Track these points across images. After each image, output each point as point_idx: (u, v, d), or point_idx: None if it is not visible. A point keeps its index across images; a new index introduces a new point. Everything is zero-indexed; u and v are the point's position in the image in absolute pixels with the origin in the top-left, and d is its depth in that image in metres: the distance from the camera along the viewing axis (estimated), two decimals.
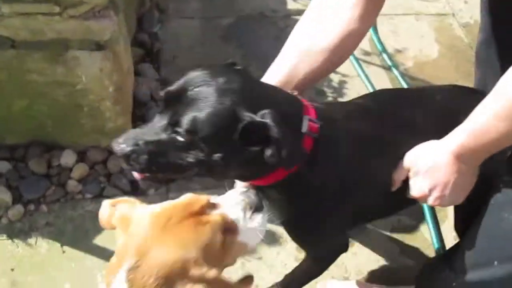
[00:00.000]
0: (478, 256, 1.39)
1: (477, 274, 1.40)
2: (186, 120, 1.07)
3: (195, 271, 0.88)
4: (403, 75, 2.76)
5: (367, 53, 2.89)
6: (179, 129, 1.08)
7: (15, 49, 1.86)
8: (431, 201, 1.26)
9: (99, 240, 1.99)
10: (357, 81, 2.68)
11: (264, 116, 1.07)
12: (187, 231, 0.92)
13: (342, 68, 2.26)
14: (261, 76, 1.32)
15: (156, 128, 1.11)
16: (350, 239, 1.67)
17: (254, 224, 1.06)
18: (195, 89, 1.09)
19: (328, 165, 1.25)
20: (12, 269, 1.92)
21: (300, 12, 2.03)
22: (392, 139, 1.33)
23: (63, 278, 1.90)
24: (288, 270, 1.80)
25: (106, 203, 1.03)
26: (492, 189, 1.31)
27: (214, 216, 0.98)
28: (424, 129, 1.35)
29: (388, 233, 2.10)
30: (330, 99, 2.60)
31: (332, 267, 1.66)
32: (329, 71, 1.45)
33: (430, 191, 1.24)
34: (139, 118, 2.34)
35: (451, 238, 1.92)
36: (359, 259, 2.01)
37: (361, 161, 1.29)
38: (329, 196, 1.30)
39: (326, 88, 2.66)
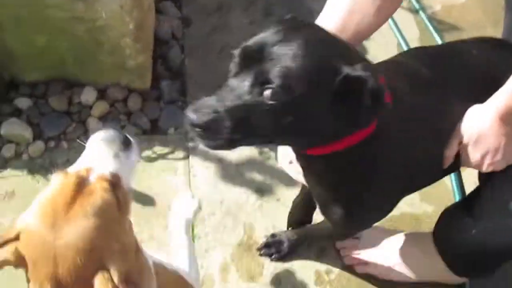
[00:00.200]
0: (498, 204, 1.39)
1: (496, 221, 1.41)
2: (279, 75, 0.94)
3: (110, 253, 0.83)
4: (430, 18, 2.69)
5: None
6: (270, 87, 0.95)
7: None
8: (484, 168, 1.27)
9: None
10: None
11: (360, 69, 0.96)
12: (81, 217, 0.84)
13: None
14: None
15: (237, 91, 0.97)
16: None
17: (131, 163, 0.99)
18: (279, 44, 0.96)
19: (392, 136, 1.17)
20: None
21: None
22: (443, 108, 1.28)
23: None
24: None
25: None
26: None
27: (94, 183, 0.89)
28: (469, 92, 1.31)
29: None
30: None
31: None
32: (380, 20, 1.37)
33: (482, 158, 1.25)
34: (159, 56, 2.32)
35: (471, 186, 1.90)
36: None
37: (420, 132, 1.25)
38: (389, 168, 1.23)
39: None
